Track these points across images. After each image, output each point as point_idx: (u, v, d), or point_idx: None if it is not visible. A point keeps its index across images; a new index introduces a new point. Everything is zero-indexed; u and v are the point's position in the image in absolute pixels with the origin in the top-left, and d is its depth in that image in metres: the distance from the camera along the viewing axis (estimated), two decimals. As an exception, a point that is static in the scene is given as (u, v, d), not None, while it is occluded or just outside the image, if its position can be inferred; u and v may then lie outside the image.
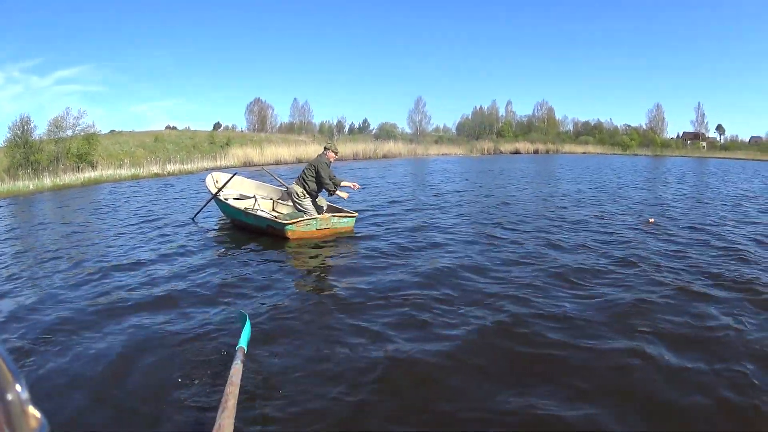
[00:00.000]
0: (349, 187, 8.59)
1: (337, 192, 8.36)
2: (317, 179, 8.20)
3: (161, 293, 5.23)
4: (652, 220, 9.52)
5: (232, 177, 9.78)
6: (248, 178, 10.77)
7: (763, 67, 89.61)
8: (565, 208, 11.38)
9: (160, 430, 2.83)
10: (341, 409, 2.98)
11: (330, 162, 8.37)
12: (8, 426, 0.46)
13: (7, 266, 6.87)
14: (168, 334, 4.06)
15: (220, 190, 9.37)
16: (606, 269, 5.91)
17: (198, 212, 9.97)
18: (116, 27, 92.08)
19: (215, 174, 10.47)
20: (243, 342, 3.36)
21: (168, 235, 8.42)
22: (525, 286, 5.27)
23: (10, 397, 0.47)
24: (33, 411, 0.49)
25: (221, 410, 2.41)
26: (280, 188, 10.18)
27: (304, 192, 8.25)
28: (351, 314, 4.49)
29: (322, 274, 6.22)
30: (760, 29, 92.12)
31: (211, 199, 9.56)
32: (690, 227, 8.87)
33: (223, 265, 6.50)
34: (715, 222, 9.55)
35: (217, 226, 9.23)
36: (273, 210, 9.75)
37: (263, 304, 4.85)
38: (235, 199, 9.73)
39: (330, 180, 8.12)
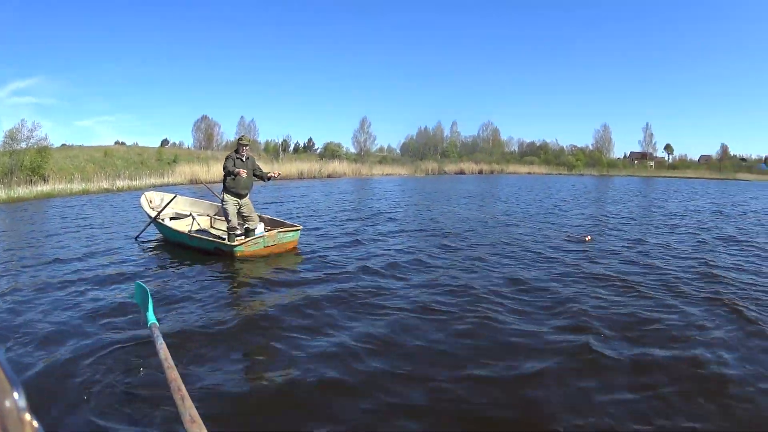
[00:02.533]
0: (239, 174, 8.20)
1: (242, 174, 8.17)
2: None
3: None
4: (588, 237, 9.85)
5: (172, 199, 9.80)
6: (181, 195, 10.67)
7: (711, 88, 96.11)
8: (496, 227, 11.97)
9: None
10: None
11: (240, 156, 8.23)
12: None
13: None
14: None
15: (159, 213, 9.37)
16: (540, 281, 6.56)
17: (140, 233, 9.77)
18: (68, 38, 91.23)
19: (149, 194, 10.42)
20: (152, 317, 3.20)
21: (115, 252, 8.56)
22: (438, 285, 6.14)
23: (7, 404, 0.47)
24: (29, 419, 0.48)
25: (180, 399, 2.26)
26: (217, 204, 10.03)
27: (228, 195, 8.23)
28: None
29: (265, 287, 6.36)
30: (712, 48, 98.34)
31: (150, 222, 9.48)
32: (625, 245, 9.46)
33: (163, 280, 6.65)
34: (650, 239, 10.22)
35: (160, 246, 9.16)
36: (211, 226, 9.84)
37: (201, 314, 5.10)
38: (171, 219, 9.64)
39: (226, 172, 8.17)
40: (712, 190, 32.84)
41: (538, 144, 72.09)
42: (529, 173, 58.08)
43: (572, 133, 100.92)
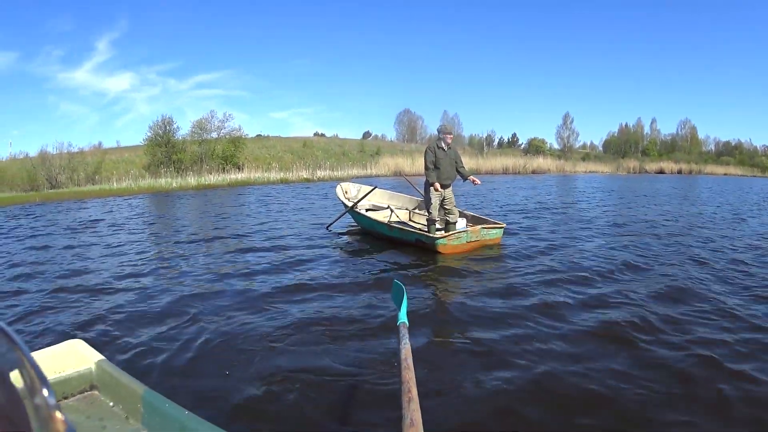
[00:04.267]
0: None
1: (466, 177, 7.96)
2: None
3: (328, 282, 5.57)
4: None
5: (371, 190, 9.63)
6: (380, 188, 10.53)
7: None
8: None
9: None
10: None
11: (443, 146, 7.69)
12: (37, 430, 0.50)
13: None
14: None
15: (357, 202, 9.27)
16: None
17: (333, 222, 9.73)
18: (257, 34, 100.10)
19: (344, 184, 10.45)
20: (403, 316, 2.97)
21: (311, 240, 8.60)
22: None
23: (38, 402, 0.50)
24: (59, 416, 0.51)
25: (407, 401, 2.09)
26: (416, 198, 9.95)
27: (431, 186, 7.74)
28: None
29: (472, 286, 5.65)
30: None
31: (346, 212, 9.37)
32: None
33: (362, 268, 6.49)
34: None
35: (355, 235, 9.04)
36: (410, 220, 9.55)
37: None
38: (367, 210, 9.49)
39: (427, 167, 7.74)
40: None
41: (733, 144, 66.16)
42: (726, 174, 52.73)
43: (765, 132, 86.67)
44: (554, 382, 3.16)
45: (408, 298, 3.09)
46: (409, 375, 2.31)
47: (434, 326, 4.32)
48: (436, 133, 7.97)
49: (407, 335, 2.67)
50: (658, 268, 6.36)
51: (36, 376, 0.51)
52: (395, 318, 2.82)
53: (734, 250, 7.71)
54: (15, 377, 0.53)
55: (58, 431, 0.50)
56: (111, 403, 2.17)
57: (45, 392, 0.50)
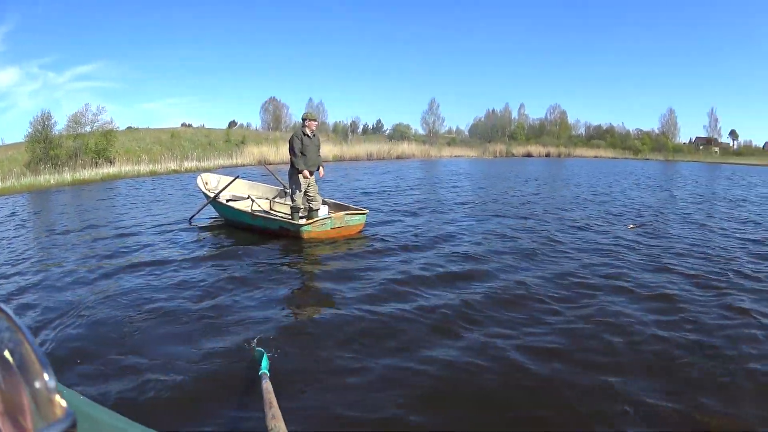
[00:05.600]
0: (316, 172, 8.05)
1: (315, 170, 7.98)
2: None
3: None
4: (632, 226, 9.32)
5: (233, 180, 9.43)
6: (242, 178, 10.28)
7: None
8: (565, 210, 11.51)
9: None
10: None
11: (308, 133, 7.80)
12: (35, 414, 0.49)
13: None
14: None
15: (218, 193, 9.03)
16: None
17: (195, 214, 9.38)
18: (131, 24, 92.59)
19: (205, 175, 10.20)
20: (264, 368, 3.25)
21: (169, 236, 8.28)
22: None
23: (38, 385, 0.49)
24: (59, 400, 0.50)
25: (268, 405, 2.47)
26: (276, 187, 9.97)
27: (296, 173, 7.82)
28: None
29: (334, 270, 6.08)
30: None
31: (208, 203, 9.11)
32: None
33: (223, 262, 6.37)
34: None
35: (217, 228, 8.90)
36: (271, 209, 9.43)
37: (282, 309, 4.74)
38: (228, 201, 9.24)
39: (293, 154, 7.78)
40: None
41: (604, 127, 70.16)
42: (596, 157, 56.43)
43: (637, 118, 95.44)
44: (419, 374, 3.40)
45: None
46: (276, 423, 2.48)
47: (301, 315, 4.59)
48: (301, 120, 7.99)
49: (266, 380, 2.91)
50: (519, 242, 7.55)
51: (36, 359, 0.50)
52: (258, 307, 3.42)
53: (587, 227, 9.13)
54: (13, 358, 0.51)
55: (57, 415, 0.49)
56: None
57: (46, 376, 0.49)
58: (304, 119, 7.93)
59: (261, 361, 3.31)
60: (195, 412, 2.93)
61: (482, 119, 68.90)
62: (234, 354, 3.67)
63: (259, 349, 3.61)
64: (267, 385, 2.86)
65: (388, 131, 64.22)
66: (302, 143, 7.71)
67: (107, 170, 24.92)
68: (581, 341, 3.87)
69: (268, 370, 3.18)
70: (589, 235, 8.30)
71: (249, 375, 3.29)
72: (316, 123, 8.04)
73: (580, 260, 6.47)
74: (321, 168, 8.11)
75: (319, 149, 8.02)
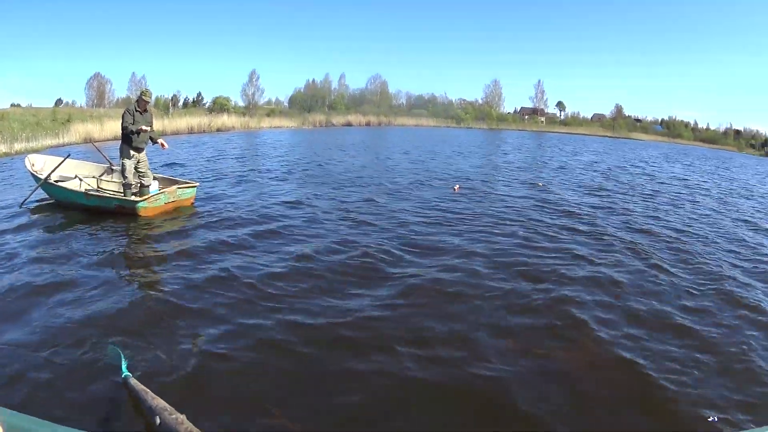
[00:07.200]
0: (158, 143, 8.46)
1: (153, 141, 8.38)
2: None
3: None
4: (457, 187, 10.89)
5: (64, 160, 9.19)
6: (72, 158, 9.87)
7: (606, 47, 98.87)
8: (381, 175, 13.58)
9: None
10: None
11: (139, 108, 8.13)
12: None
13: None
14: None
15: (50, 174, 8.76)
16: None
17: (26, 199, 8.88)
18: None
19: (31, 157, 9.77)
20: (125, 371, 3.29)
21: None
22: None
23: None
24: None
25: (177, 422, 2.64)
26: (102, 165, 9.83)
27: (128, 150, 8.12)
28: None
29: (172, 242, 6.72)
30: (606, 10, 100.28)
31: (39, 186, 8.80)
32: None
33: (60, 245, 6.50)
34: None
35: (48, 210, 8.59)
36: (99, 188, 9.29)
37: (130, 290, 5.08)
38: (56, 182, 8.89)
39: (126, 128, 8.04)
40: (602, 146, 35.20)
41: (426, 97, 71.98)
42: (417, 125, 59.16)
43: (463, 88, 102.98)
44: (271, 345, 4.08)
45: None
46: (157, 402, 2.74)
47: (149, 300, 4.88)
48: (127, 95, 8.55)
49: (137, 382, 3.05)
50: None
51: None
52: (106, 297, 3.80)
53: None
54: None
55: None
56: None
57: None
58: (140, 95, 8.18)
59: (119, 362, 3.34)
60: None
61: (302, 90, 68.10)
62: (87, 354, 3.72)
63: (113, 346, 3.54)
64: (134, 383, 3.01)
65: (208, 104, 61.92)
66: (134, 119, 8.04)
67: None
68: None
69: (127, 370, 3.27)
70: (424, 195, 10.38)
71: (110, 376, 3.39)
72: (150, 101, 8.30)
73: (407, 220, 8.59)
74: (161, 140, 8.46)
75: (151, 125, 8.31)
